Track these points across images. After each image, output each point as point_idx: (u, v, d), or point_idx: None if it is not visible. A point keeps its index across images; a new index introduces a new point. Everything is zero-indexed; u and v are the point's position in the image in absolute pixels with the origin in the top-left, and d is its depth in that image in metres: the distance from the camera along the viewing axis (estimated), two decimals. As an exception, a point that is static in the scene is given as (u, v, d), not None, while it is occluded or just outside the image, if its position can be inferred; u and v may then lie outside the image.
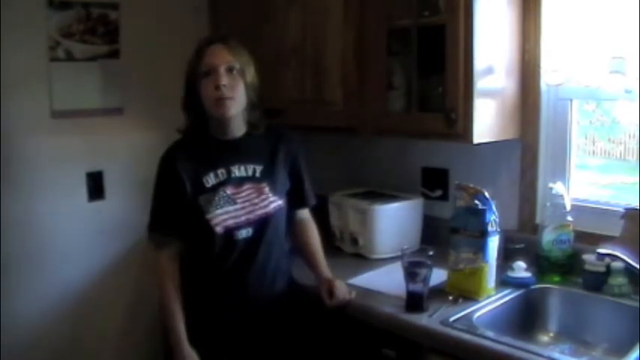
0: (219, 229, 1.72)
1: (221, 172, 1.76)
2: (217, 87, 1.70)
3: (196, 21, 2.82)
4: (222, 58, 1.72)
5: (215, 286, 1.78)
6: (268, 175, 1.81)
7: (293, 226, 1.97)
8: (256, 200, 1.78)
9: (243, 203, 1.76)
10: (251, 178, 1.79)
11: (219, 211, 1.73)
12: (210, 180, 1.75)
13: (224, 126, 1.78)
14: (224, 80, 1.70)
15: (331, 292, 1.81)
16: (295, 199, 1.92)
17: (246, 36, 2.55)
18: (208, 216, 1.72)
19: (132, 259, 2.76)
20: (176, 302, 1.75)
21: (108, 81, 2.59)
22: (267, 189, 1.80)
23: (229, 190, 1.75)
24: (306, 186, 1.94)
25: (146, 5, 2.66)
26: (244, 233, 1.76)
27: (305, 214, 2.01)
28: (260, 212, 1.77)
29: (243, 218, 1.75)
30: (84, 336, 2.64)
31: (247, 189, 1.77)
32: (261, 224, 1.77)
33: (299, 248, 1.98)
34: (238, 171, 1.78)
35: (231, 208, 1.74)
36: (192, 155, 1.77)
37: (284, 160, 1.86)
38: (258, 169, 1.80)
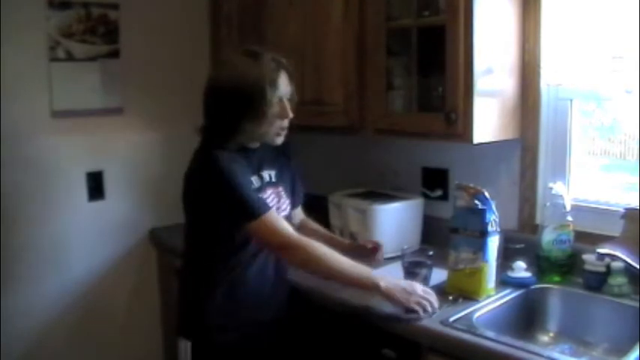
0: None
1: (254, 178, 1.77)
2: (286, 119, 1.73)
3: (196, 21, 2.83)
4: (289, 88, 1.73)
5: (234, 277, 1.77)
6: (281, 179, 1.86)
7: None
8: (278, 204, 1.81)
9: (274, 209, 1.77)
10: (270, 183, 1.82)
11: None
12: (254, 183, 1.75)
13: (257, 141, 1.79)
14: (292, 113, 1.73)
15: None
16: (298, 198, 1.98)
17: (247, 36, 2.56)
18: None
19: (132, 259, 2.76)
20: (337, 254, 1.69)
21: (108, 81, 2.59)
22: (283, 192, 1.85)
23: (264, 195, 1.76)
24: (299, 186, 1.99)
25: (146, 5, 2.66)
26: None
27: (301, 213, 2.06)
28: (282, 215, 1.80)
29: None
30: (84, 336, 2.64)
31: (271, 194, 1.80)
32: None
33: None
34: (265, 177, 1.81)
35: None
36: (236, 161, 1.72)
37: (286, 162, 1.91)
38: (273, 173, 1.84)
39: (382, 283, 1.64)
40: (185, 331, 1.81)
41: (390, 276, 1.73)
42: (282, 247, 1.68)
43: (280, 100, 1.70)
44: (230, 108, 1.68)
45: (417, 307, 1.64)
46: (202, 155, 1.71)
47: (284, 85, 1.71)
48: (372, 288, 1.66)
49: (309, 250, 1.66)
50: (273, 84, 1.67)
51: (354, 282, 1.69)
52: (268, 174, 1.82)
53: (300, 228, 2.00)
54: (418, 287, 1.68)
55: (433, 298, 1.67)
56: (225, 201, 1.65)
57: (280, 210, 1.81)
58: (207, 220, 1.72)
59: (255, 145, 1.79)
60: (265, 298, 1.80)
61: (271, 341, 1.83)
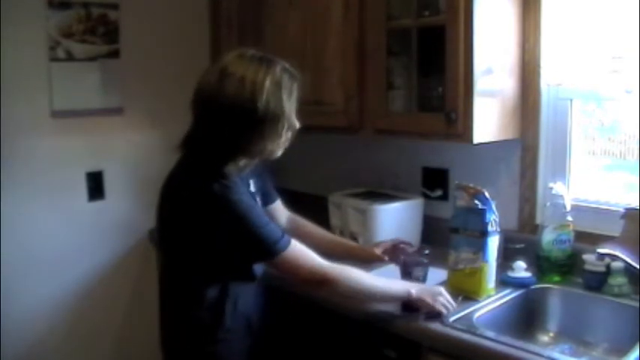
0: None
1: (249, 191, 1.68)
2: (294, 132, 1.60)
3: (196, 21, 2.83)
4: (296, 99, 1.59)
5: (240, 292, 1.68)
6: (257, 185, 1.77)
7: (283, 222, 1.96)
8: None
9: None
10: (253, 194, 1.72)
11: None
12: None
13: (258, 158, 1.65)
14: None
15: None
16: (270, 194, 1.91)
17: (247, 36, 2.56)
18: None
19: (132, 259, 2.77)
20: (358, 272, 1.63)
21: (108, 81, 2.59)
22: (259, 200, 1.76)
23: None
24: (269, 182, 1.89)
25: (146, 5, 2.67)
26: None
27: (284, 209, 1.99)
28: None
29: None
30: (84, 336, 2.65)
31: None
32: None
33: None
34: (251, 190, 1.72)
35: None
36: (243, 191, 1.57)
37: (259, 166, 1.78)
38: (252, 182, 1.74)
39: (414, 291, 1.65)
40: None
41: (416, 283, 1.75)
42: (311, 282, 1.58)
43: (294, 112, 1.58)
44: (240, 125, 1.49)
45: (443, 309, 1.65)
46: (200, 183, 1.50)
47: (296, 98, 1.58)
48: (406, 297, 1.66)
49: (344, 282, 1.58)
50: (290, 97, 1.55)
51: (389, 299, 1.70)
52: (251, 186, 1.72)
53: (293, 229, 1.94)
54: (443, 290, 1.69)
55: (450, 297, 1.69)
56: (239, 240, 1.52)
57: None
58: (209, 251, 1.56)
59: (251, 166, 1.64)
60: (259, 301, 1.76)
61: (269, 343, 1.82)
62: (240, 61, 1.53)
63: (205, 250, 1.55)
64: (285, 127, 1.56)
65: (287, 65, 1.58)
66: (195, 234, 1.54)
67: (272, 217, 1.88)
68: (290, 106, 1.55)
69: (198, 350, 1.62)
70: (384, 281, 1.71)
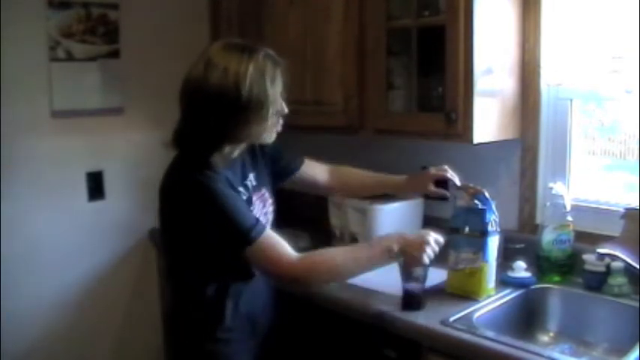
0: None
1: (242, 189, 1.65)
2: (282, 116, 1.61)
3: (196, 21, 2.83)
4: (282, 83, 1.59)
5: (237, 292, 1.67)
6: (260, 178, 1.75)
7: (318, 182, 1.96)
8: (265, 210, 1.72)
9: (260, 216, 1.66)
10: (254, 188, 1.71)
11: None
12: (244, 196, 1.65)
13: (250, 143, 1.67)
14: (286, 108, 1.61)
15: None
16: (292, 162, 1.90)
17: (247, 36, 2.56)
18: None
19: (132, 259, 2.76)
20: (339, 249, 1.70)
21: (108, 81, 2.59)
22: (266, 192, 1.75)
23: (252, 206, 1.66)
24: (284, 159, 1.88)
25: (146, 5, 2.66)
26: None
27: (318, 165, 1.97)
28: (269, 217, 1.73)
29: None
30: (83, 336, 2.64)
31: (256, 200, 1.69)
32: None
33: (351, 186, 2.03)
34: (249, 184, 1.70)
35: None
36: (224, 175, 1.58)
37: (259, 154, 1.78)
38: (253, 176, 1.73)
39: (395, 247, 1.61)
40: None
41: (398, 233, 1.68)
42: (284, 280, 1.59)
43: (282, 97, 1.60)
44: (225, 113, 1.52)
45: (427, 260, 1.62)
46: (184, 175, 1.55)
47: (280, 82, 1.58)
48: (391, 258, 1.63)
49: (315, 275, 1.60)
50: (274, 82, 1.56)
51: (372, 267, 1.65)
52: (250, 179, 1.71)
53: (339, 182, 1.98)
54: (429, 234, 1.63)
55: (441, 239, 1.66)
56: (216, 228, 1.52)
57: (267, 214, 1.71)
58: (196, 244, 1.57)
59: (237, 153, 1.65)
60: (264, 301, 1.76)
61: (272, 343, 1.82)
62: (223, 51, 1.56)
63: (193, 242, 1.57)
64: (271, 111, 1.57)
65: (270, 52, 1.60)
66: (183, 226, 1.56)
67: (308, 178, 1.92)
68: (274, 92, 1.57)
69: (198, 348, 1.62)
70: (360, 250, 1.69)
